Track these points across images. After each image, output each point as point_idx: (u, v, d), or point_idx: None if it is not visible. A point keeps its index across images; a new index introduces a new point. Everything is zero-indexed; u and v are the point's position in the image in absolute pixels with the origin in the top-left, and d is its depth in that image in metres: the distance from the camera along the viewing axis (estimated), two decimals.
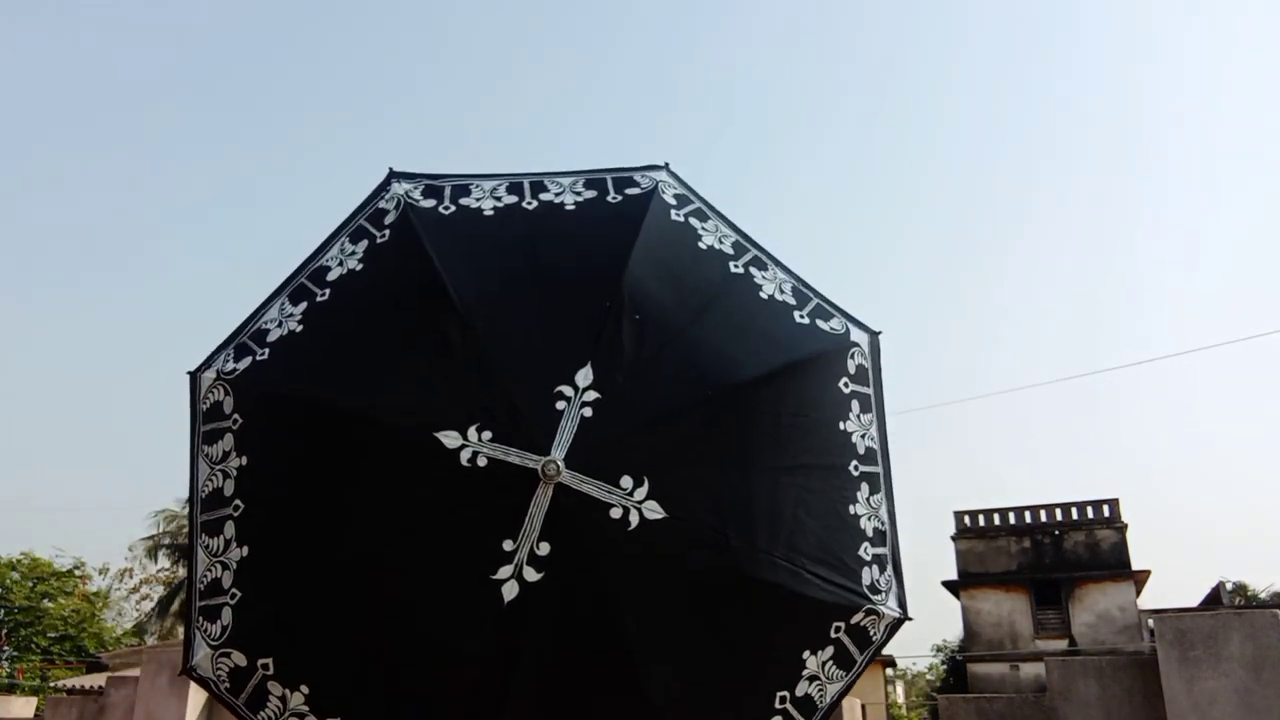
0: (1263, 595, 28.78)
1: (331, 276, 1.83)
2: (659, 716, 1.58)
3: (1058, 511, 25.88)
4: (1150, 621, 20.45)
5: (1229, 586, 28.47)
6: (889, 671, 28.34)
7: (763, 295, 1.91)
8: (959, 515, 26.74)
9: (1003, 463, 66.58)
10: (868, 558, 1.82)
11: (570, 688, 1.59)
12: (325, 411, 1.68)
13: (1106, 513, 25.39)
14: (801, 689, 1.74)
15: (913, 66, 75.73)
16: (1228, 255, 67.25)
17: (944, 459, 70.79)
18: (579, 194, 1.92)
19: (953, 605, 26.96)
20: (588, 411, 1.56)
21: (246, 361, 1.76)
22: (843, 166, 77.52)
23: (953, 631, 31.26)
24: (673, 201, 1.96)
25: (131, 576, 30.90)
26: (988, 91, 75.34)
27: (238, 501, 1.69)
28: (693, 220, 1.95)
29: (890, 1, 76.06)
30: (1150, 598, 30.90)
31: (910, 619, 1.87)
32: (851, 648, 1.79)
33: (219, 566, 1.68)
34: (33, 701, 15.30)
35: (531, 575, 1.51)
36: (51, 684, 21.20)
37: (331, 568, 1.61)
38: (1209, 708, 6.84)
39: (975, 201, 70.48)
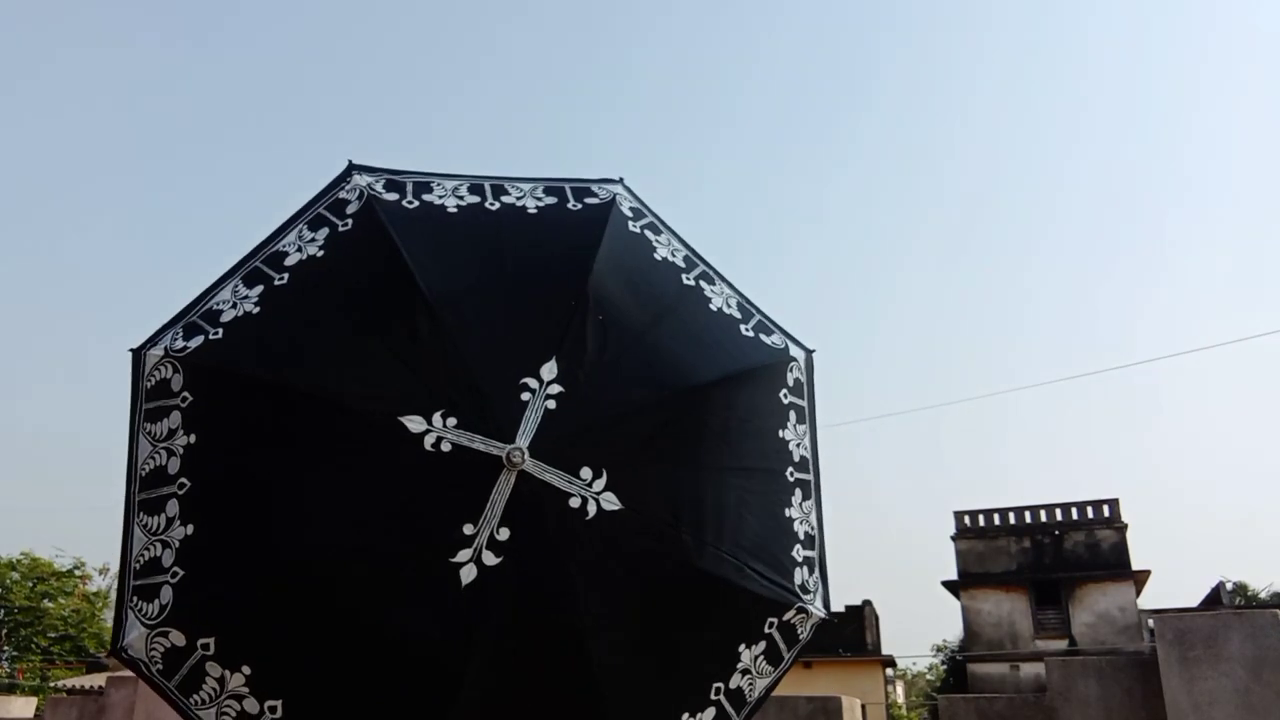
0: (1263, 595, 28.79)
1: (289, 261, 1.82)
2: (603, 699, 1.64)
3: (1058, 512, 25.90)
4: (1150, 621, 20.46)
5: (1229, 586, 28.47)
6: (889, 671, 28.33)
7: (712, 308, 2.01)
8: (959, 515, 26.76)
9: (1002, 463, 66.62)
10: (799, 559, 1.91)
11: (523, 666, 1.62)
12: (284, 392, 1.67)
13: (1106, 513, 25.41)
14: (734, 681, 1.81)
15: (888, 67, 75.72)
16: (1227, 256, 67.28)
17: (943, 459, 70.78)
18: (540, 199, 1.98)
19: (953, 605, 26.99)
20: (551, 404, 1.61)
21: (198, 340, 1.73)
22: (842, 164, 77.55)
23: (953, 631, 31.33)
24: (629, 214, 2.04)
25: None
26: (991, 92, 75.40)
27: (183, 480, 1.66)
28: (648, 233, 2.04)
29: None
30: (1150, 598, 30.96)
31: (833, 620, 1.99)
32: (781, 644, 1.87)
33: (159, 545, 1.65)
34: (33, 701, 15.30)
35: (490, 559, 1.53)
36: (51, 684, 21.23)
37: (284, 547, 1.59)
38: (1209, 708, 6.84)
39: (980, 201, 70.50)
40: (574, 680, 1.64)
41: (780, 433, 1.98)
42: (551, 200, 1.99)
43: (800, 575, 1.90)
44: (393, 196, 1.90)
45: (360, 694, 1.59)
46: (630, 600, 1.68)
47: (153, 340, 1.78)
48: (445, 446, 1.54)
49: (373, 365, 1.66)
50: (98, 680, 14.97)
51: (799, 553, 1.91)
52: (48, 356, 55.66)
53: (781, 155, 77.10)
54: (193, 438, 1.68)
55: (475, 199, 1.94)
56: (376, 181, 1.92)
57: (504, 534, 1.54)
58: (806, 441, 2.03)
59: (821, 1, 77.94)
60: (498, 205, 1.94)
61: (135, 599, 1.64)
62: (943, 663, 32.49)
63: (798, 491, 1.97)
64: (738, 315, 2.05)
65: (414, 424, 1.55)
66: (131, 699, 9.76)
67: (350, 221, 1.85)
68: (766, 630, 1.84)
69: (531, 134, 75.39)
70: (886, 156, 78.04)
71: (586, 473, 1.60)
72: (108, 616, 30.59)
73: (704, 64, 78.37)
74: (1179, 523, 66.05)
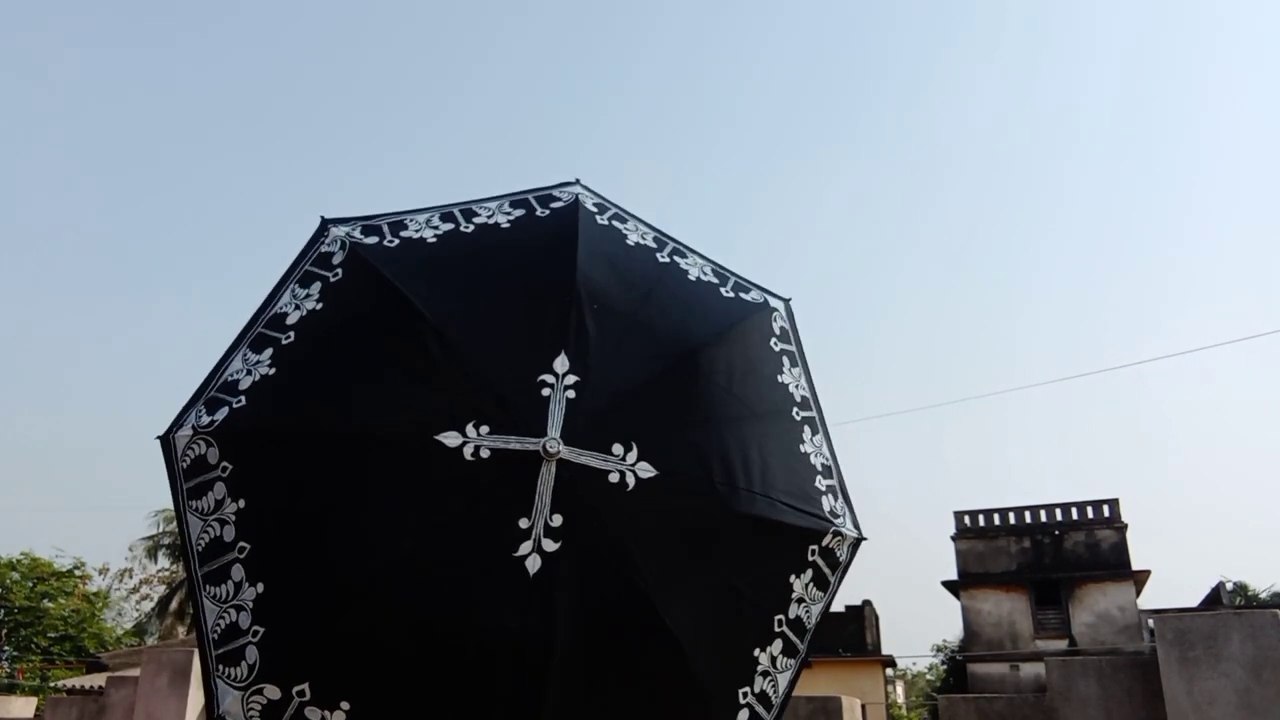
0: (1263, 595, 28.79)
1: (291, 320, 1.91)
2: (682, 649, 1.75)
3: (1058, 511, 25.89)
4: (1150, 621, 20.47)
5: (1229, 586, 28.48)
6: (889, 671, 28.33)
7: (691, 278, 2.16)
8: (959, 515, 26.75)
9: (1002, 463, 66.64)
10: (823, 488, 2.07)
11: (604, 639, 1.72)
12: (321, 437, 1.75)
13: (1106, 513, 25.40)
14: (793, 611, 1.95)
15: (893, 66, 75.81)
16: (1227, 257, 67.26)
17: (943, 459, 70.80)
18: (509, 213, 2.10)
19: (953, 605, 26.99)
20: (571, 394, 1.72)
21: (223, 412, 1.81)
22: (843, 161, 77.60)
23: (953, 631, 31.32)
24: (594, 209, 2.17)
25: (131, 576, 30.96)
26: (993, 92, 75.44)
27: (241, 544, 1.73)
28: (615, 223, 2.18)
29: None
30: (1150, 598, 30.94)
31: (866, 539, 2.11)
32: (825, 568, 2.01)
33: (233, 611, 1.71)
34: (33, 701, 15.30)
35: (550, 546, 1.64)
36: (51, 684, 21.20)
37: (356, 581, 1.66)
38: (1209, 708, 6.84)
39: (981, 201, 70.50)
40: (653, 641, 1.74)
41: (779, 377, 2.13)
42: (520, 212, 2.11)
43: (828, 503, 2.04)
44: (373, 240, 2.01)
45: (456, 701, 1.67)
46: (683, 555, 1.79)
47: (178, 422, 1.84)
48: (484, 453, 1.64)
49: (396, 393, 1.77)
50: (98, 680, 14.96)
51: (821, 483, 2.06)
52: (47, 356, 55.67)
53: (782, 155, 77.17)
54: (241, 503, 1.75)
55: (449, 226, 2.06)
56: (354, 229, 2.03)
57: (557, 520, 1.64)
58: (803, 382, 2.18)
59: (824, 2, 78.00)
60: (471, 227, 2.06)
61: (221, 667, 1.69)
62: (943, 663, 32.48)
63: (806, 428, 2.12)
64: (715, 281, 2.21)
65: (450, 439, 1.64)
66: (131, 699, 9.76)
67: (340, 271, 1.95)
68: (810, 558, 1.98)
69: (527, 135, 75.44)
70: (886, 156, 78.12)
71: (618, 449, 1.71)
72: (107, 616, 30.66)
73: (703, 65, 78.44)
74: (1179, 523, 66.08)
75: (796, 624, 1.96)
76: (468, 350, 1.77)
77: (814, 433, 2.13)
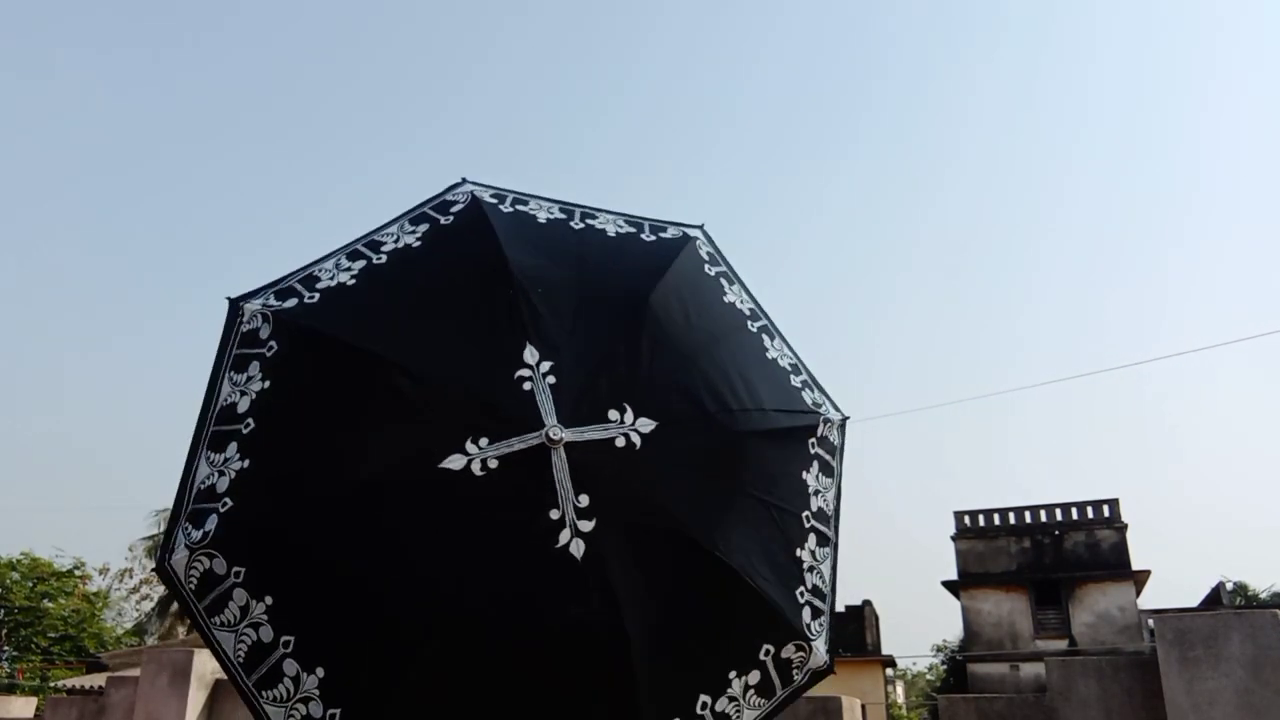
0: (1263, 595, 28.78)
1: (243, 408, 1.88)
2: (740, 575, 1.81)
3: (1058, 511, 25.88)
4: (1150, 621, 20.46)
5: (1229, 586, 28.48)
6: (889, 671, 28.33)
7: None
8: (959, 515, 26.74)
9: (1003, 463, 66.58)
10: (798, 385, 2.12)
11: (667, 593, 1.75)
12: (326, 507, 1.74)
13: (1106, 513, 25.39)
14: (814, 504, 2.03)
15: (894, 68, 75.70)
16: (1228, 257, 67.21)
17: (944, 459, 70.76)
18: (413, 231, 2.10)
19: (953, 605, 26.98)
20: (551, 379, 1.73)
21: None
22: (861, 180, 77.47)
23: (953, 631, 31.32)
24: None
25: (131, 576, 30.92)
26: (995, 93, 75.34)
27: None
28: (519, 207, 2.17)
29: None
30: (1150, 598, 30.93)
31: (849, 416, 2.16)
32: (826, 456, 2.10)
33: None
34: (33, 701, 15.29)
35: (586, 526, 1.66)
36: (51, 684, 21.19)
37: (417, 630, 1.67)
38: (1209, 708, 6.84)
39: (982, 202, 70.40)
40: (714, 577, 1.79)
41: (724, 298, 2.15)
42: (425, 227, 2.10)
43: (808, 396, 2.12)
44: (292, 302, 2.00)
45: (555, 708, 1.70)
46: (708, 489, 1.85)
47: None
48: (492, 463, 1.65)
49: (386, 439, 1.75)
50: (98, 680, 14.95)
51: (795, 380, 2.13)
52: (48, 355, 55.67)
53: (782, 155, 77.10)
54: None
55: (361, 263, 2.04)
56: (267, 299, 2.02)
57: (584, 500, 1.67)
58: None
59: (824, 3, 77.95)
60: (384, 258, 2.04)
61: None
62: (943, 663, 32.49)
63: (764, 337, 2.15)
64: (633, 230, 2.21)
65: (455, 462, 1.65)
66: (131, 699, 9.76)
67: (273, 344, 1.94)
68: (812, 451, 2.05)
69: (526, 135, 75.39)
70: (886, 156, 78.07)
71: (614, 414, 1.75)
72: (107, 616, 30.62)
73: (703, 64, 78.38)
74: (1179, 523, 66.04)
75: (820, 515, 2.04)
76: (436, 373, 1.77)
77: (771, 338, 2.18)
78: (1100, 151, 70.94)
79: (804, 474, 2.04)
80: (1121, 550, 24.77)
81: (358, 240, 2.03)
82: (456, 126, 75.14)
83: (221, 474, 1.80)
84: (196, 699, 9.42)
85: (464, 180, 2.14)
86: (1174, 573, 58.33)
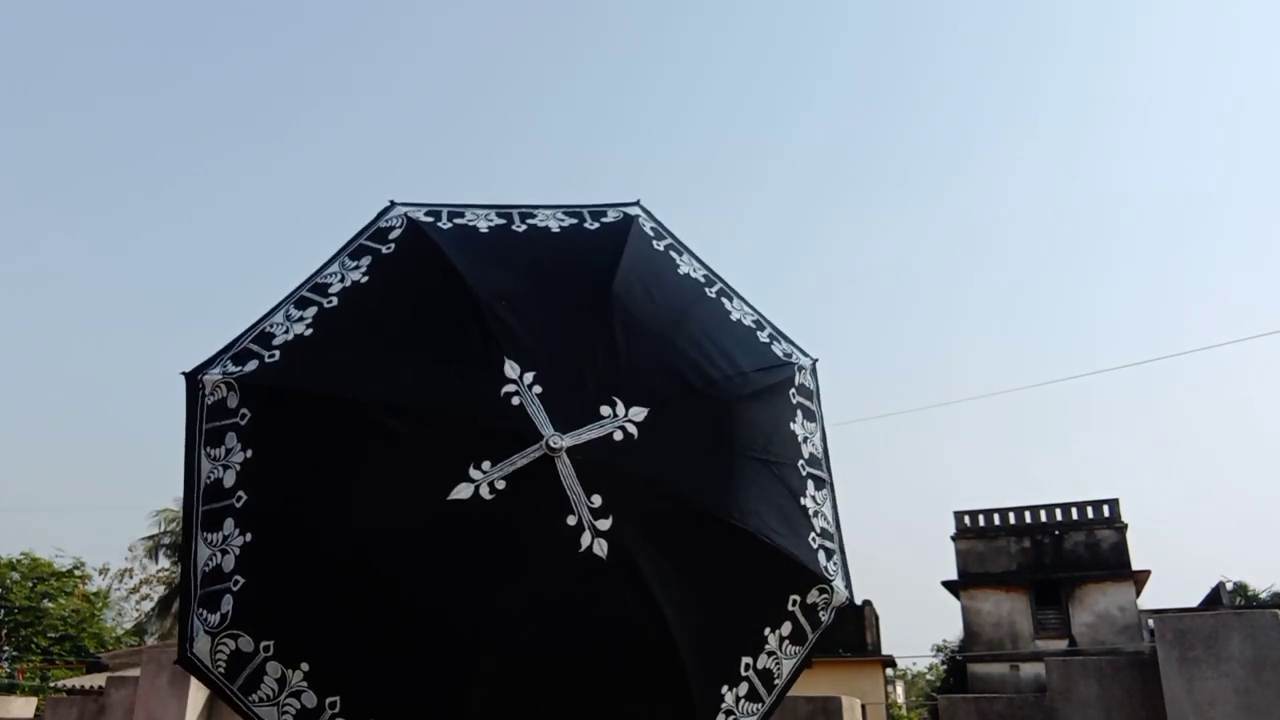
0: (1263, 595, 28.79)
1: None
2: (758, 537, 1.87)
3: (1057, 511, 25.87)
4: (1150, 621, 20.44)
5: (1229, 586, 28.47)
6: (889, 671, 28.31)
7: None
8: (959, 515, 26.74)
9: (1003, 463, 66.61)
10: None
11: (699, 570, 1.79)
12: (343, 412, 1.76)
13: (1106, 513, 25.38)
14: (805, 472, 2.07)
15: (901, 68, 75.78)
16: (1230, 257, 67.24)
17: (944, 459, 70.80)
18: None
19: (953, 605, 26.98)
20: (539, 389, 1.74)
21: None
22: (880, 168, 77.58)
23: (953, 631, 31.31)
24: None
25: (131, 576, 30.95)
26: (997, 92, 75.41)
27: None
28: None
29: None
30: (1150, 598, 30.91)
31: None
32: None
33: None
34: (33, 701, 15.28)
35: (604, 525, 1.68)
36: (51, 684, 21.19)
37: (333, 549, 1.69)
38: (1209, 708, 6.84)
39: (984, 202, 70.48)
40: (737, 543, 1.83)
41: (790, 425, 2.13)
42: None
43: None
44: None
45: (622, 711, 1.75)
46: (714, 460, 1.88)
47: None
48: (500, 484, 1.66)
49: (420, 387, 1.77)
50: (98, 680, 14.96)
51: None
52: (48, 355, 55.68)
53: (823, 197, 77.20)
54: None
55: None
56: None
57: (597, 500, 1.69)
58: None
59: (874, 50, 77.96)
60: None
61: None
62: (943, 663, 32.48)
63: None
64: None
65: (463, 492, 1.64)
66: (131, 699, 9.76)
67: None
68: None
69: (590, 172, 75.42)
70: (887, 157, 78.13)
71: (605, 409, 1.75)
72: (107, 616, 30.65)
73: (755, 107, 78.43)
74: (1179, 523, 66.07)
75: (813, 460, 2.12)
76: (422, 407, 1.75)
77: (731, 299, 2.21)
78: (1106, 149, 71.00)
79: (791, 425, 2.10)
80: (1121, 550, 24.76)
81: (301, 286, 1.97)
82: (500, 156, 75.23)
83: (224, 553, 1.76)
84: (196, 699, 9.42)
85: (392, 204, 2.10)
86: (1174, 573, 58.31)
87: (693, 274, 2.20)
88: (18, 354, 51.27)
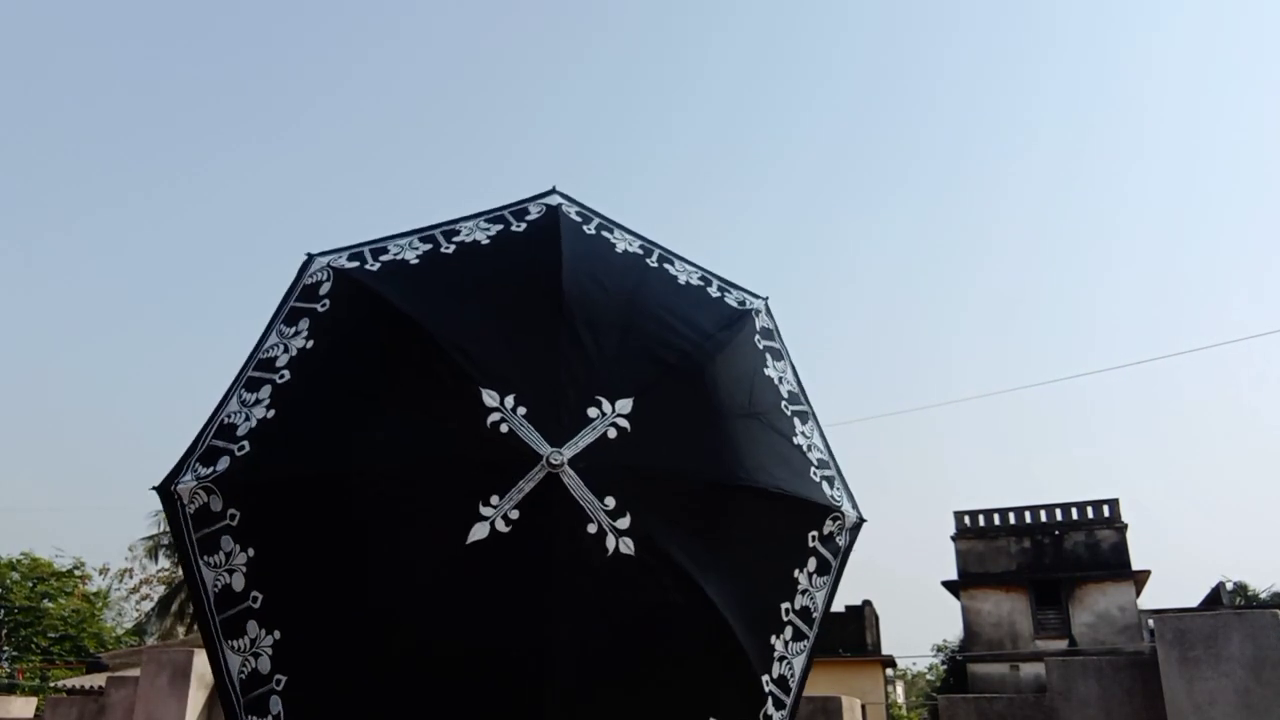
0: (1263, 595, 28.78)
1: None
2: (773, 492, 1.91)
3: (1057, 511, 25.88)
4: (1150, 621, 20.45)
5: (1229, 586, 28.48)
6: (889, 671, 28.32)
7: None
8: (959, 515, 26.75)
9: (1003, 462, 66.61)
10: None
11: (718, 535, 1.82)
12: (333, 482, 1.73)
13: (1106, 513, 25.39)
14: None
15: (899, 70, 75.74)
16: (1230, 258, 67.25)
17: (944, 459, 70.81)
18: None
19: (953, 605, 26.98)
20: (522, 409, 1.70)
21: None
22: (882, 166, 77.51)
23: (953, 631, 31.32)
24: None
25: (131, 576, 30.94)
26: (998, 93, 75.37)
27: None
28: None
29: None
30: (1150, 598, 30.93)
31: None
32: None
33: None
34: (33, 701, 15.30)
35: (624, 523, 1.69)
36: (51, 684, 21.18)
37: (367, 624, 1.67)
38: (1209, 708, 6.84)
39: (985, 202, 70.46)
40: (749, 501, 1.88)
41: (765, 371, 2.16)
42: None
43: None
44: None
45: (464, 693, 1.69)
46: (704, 432, 1.88)
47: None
48: (513, 514, 1.64)
49: (404, 441, 1.73)
50: (98, 680, 14.95)
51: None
52: (48, 354, 55.69)
53: (822, 199, 77.21)
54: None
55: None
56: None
57: (610, 502, 1.69)
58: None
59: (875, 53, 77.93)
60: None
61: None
62: (943, 663, 32.46)
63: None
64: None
65: (480, 532, 1.62)
66: (131, 699, 9.76)
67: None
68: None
69: (584, 175, 75.41)
70: (888, 157, 78.15)
71: (593, 411, 1.73)
72: (107, 616, 30.65)
73: (753, 110, 78.40)
74: (1179, 523, 66.07)
75: (792, 397, 2.16)
76: (419, 446, 1.74)
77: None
78: (1108, 147, 71.00)
79: (766, 371, 2.14)
80: (1121, 550, 24.77)
81: (246, 366, 1.94)
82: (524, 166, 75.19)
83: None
84: (196, 699, 9.43)
85: (310, 256, 2.05)
86: (1174, 573, 58.34)
87: (630, 249, 2.18)
88: (18, 354, 51.31)
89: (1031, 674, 22.34)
